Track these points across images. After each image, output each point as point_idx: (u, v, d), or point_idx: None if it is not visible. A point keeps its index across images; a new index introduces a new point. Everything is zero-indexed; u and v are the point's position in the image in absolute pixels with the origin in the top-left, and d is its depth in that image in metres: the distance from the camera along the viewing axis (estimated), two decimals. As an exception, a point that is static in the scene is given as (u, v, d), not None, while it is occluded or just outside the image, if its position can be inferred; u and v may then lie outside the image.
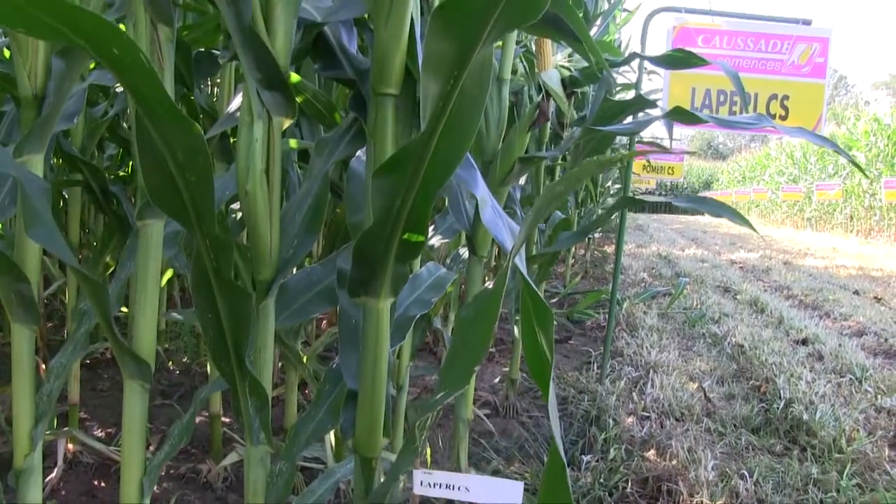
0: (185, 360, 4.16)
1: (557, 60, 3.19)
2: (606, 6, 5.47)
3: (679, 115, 2.23)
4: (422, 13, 1.35)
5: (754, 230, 2.23)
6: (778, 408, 3.50)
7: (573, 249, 8.86)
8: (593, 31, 4.80)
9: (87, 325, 1.48)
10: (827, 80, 3.65)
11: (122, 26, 1.13)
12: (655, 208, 39.22)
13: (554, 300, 6.44)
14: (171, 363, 4.08)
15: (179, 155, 0.94)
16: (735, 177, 35.86)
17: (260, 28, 1.13)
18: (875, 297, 7.53)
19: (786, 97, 3.61)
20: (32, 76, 1.31)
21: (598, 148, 3.14)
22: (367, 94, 1.21)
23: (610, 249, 10.42)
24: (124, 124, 2.93)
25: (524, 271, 0.94)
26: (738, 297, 7.15)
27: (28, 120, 1.31)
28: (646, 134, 6.41)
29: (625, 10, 6.26)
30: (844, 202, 20.22)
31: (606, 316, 5.46)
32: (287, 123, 1.20)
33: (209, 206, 0.99)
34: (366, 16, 1.40)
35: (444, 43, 0.86)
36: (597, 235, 8.75)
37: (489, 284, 1.13)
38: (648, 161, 9.20)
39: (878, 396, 3.79)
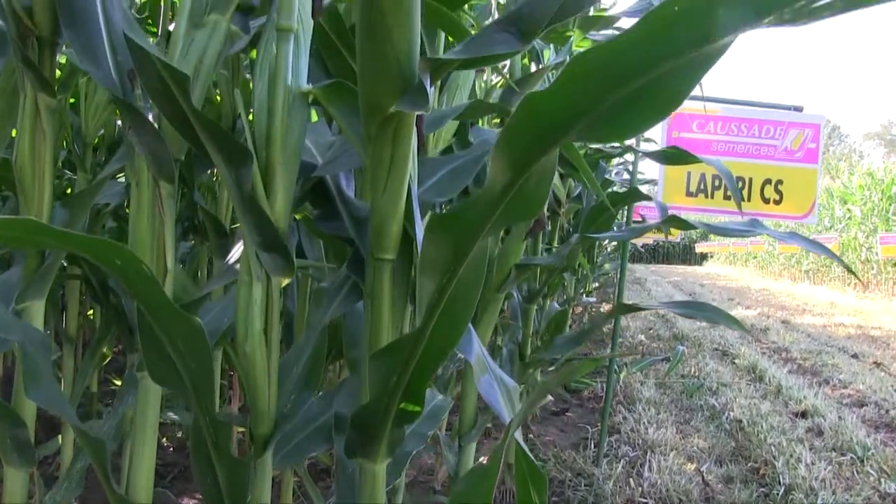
0: (179, 434, 4.14)
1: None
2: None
3: (674, 223, 2.26)
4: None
5: (748, 332, 2.24)
6: (778, 494, 3.47)
7: (570, 304, 8.84)
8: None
9: (82, 462, 1.48)
10: (819, 166, 3.70)
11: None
12: (654, 257, 39.29)
13: (551, 368, 6.41)
14: (164, 439, 4.05)
15: (179, 343, 0.96)
16: (731, 218, 35.93)
17: (259, 194, 1.15)
18: (875, 363, 7.52)
19: (779, 182, 3.65)
20: (36, 224, 1.33)
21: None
22: (365, 255, 1.23)
23: (607, 307, 10.42)
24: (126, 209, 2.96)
25: (524, 447, 0.96)
26: (736, 361, 7.14)
27: (31, 270, 1.33)
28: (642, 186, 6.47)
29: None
30: (841, 255, 20.27)
31: (603, 384, 5.46)
32: (286, 282, 1.22)
33: (209, 387, 1.00)
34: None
35: (440, 247, 0.88)
36: (592, 300, 8.74)
37: (483, 460, 1.14)
38: (643, 219, 9.25)
39: (881, 480, 3.76)
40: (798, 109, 3.79)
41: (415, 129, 1.14)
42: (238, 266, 1.26)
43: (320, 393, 1.48)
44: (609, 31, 2.53)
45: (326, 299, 1.33)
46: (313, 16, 1.29)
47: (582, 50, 0.65)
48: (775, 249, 25.66)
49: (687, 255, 39.07)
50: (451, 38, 1.86)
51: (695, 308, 2.30)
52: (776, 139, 3.68)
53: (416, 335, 0.95)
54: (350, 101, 1.17)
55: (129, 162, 1.29)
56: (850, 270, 2.29)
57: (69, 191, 3.40)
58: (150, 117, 1.28)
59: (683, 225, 2.27)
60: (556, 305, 3.66)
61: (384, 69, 1.02)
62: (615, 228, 5.40)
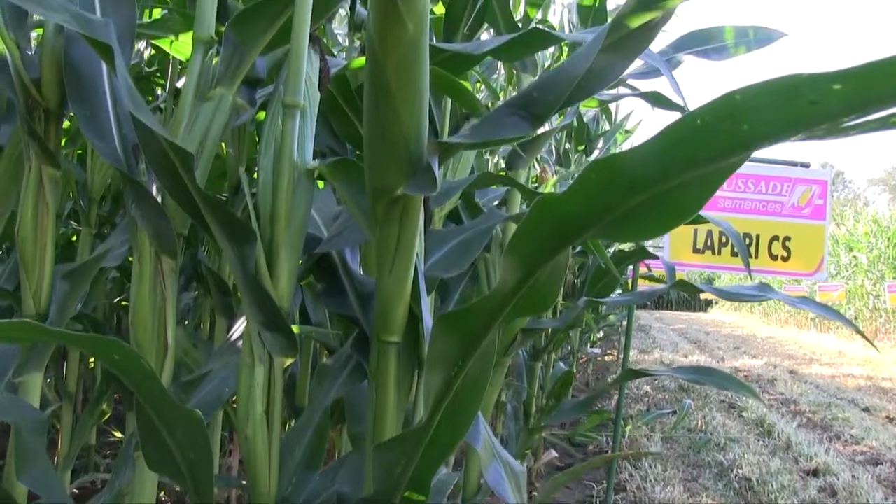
0: (177, 488, 4.07)
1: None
2: (607, 126, 5.58)
3: (683, 287, 2.23)
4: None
5: (760, 400, 2.20)
6: (789, 560, 3.39)
7: (575, 356, 8.79)
8: (595, 154, 4.88)
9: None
10: (828, 222, 3.68)
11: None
12: (658, 303, 39.17)
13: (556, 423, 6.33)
14: (162, 493, 3.98)
15: (179, 434, 0.93)
16: (738, 274, 35.93)
17: (263, 273, 1.13)
18: (887, 417, 7.41)
19: (787, 239, 3.62)
20: (37, 298, 1.32)
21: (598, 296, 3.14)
22: (370, 335, 1.20)
23: (612, 356, 10.34)
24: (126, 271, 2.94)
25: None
26: (743, 414, 7.05)
27: (29, 343, 1.30)
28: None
29: (626, 130, 6.37)
30: (848, 303, 20.16)
31: (609, 438, 5.38)
32: (289, 362, 1.19)
33: (208, 478, 0.97)
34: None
35: (448, 342, 0.85)
36: (597, 351, 8.67)
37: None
38: (649, 268, 9.21)
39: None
40: (805, 165, 3.79)
41: (422, 206, 1.13)
42: (240, 343, 1.23)
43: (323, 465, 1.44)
44: (614, 91, 2.53)
45: (330, 378, 1.30)
46: (320, 88, 1.28)
47: (599, 157, 0.63)
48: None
49: (691, 301, 38.93)
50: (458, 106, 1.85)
51: (704, 374, 2.26)
52: (783, 195, 3.66)
53: (422, 428, 0.92)
54: (356, 179, 1.15)
55: (131, 235, 1.27)
56: (862, 335, 2.26)
57: (74, 238, 3.40)
58: (153, 189, 1.27)
59: (691, 289, 2.24)
60: (562, 365, 3.62)
61: (391, 150, 1.01)
62: (620, 290, 5.38)
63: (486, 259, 1.97)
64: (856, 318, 19.82)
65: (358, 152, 1.87)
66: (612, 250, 3.72)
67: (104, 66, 1.31)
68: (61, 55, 1.29)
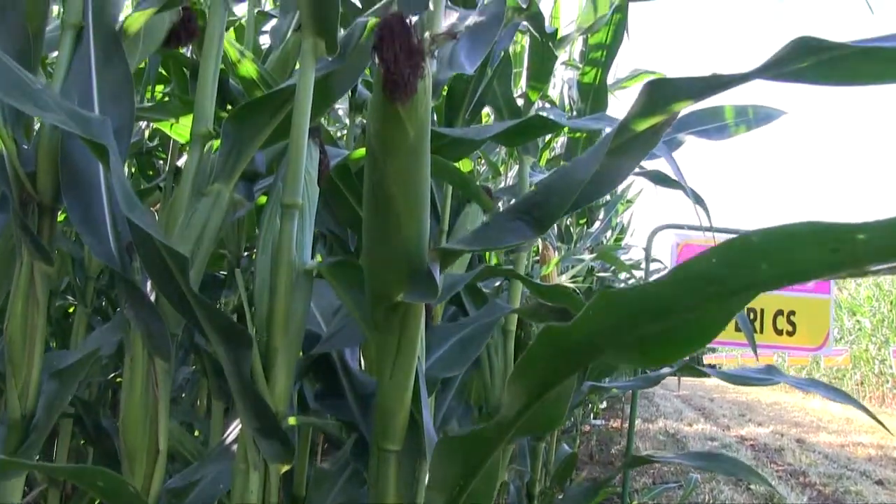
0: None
1: (562, 281, 3.18)
2: (608, 196, 5.59)
3: (688, 371, 2.18)
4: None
5: (771, 486, 2.13)
6: None
7: (578, 428, 8.67)
8: (596, 225, 4.87)
9: None
10: (832, 296, 3.64)
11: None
12: (661, 367, 38.83)
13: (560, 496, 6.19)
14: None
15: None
16: (742, 349, 35.67)
17: (259, 379, 1.09)
18: (899, 492, 7.25)
19: (792, 313, 3.58)
20: (23, 398, 1.27)
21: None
22: (369, 440, 1.16)
23: (616, 424, 10.19)
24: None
25: None
26: (751, 487, 6.89)
27: (13, 444, 1.25)
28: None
29: (626, 200, 6.38)
30: (853, 368, 19.97)
31: (616, 514, 5.23)
32: (285, 468, 1.14)
33: None
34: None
35: (451, 465, 0.81)
36: (600, 422, 8.55)
37: None
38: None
39: None
40: (808, 240, 3.77)
41: (423, 309, 1.09)
42: (234, 448, 1.19)
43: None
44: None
45: (328, 482, 1.25)
46: (319, 181, 1.26)
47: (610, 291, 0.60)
48: (785, 361, 25.35)
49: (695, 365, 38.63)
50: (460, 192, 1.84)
51: (712, 461, 2.20)
52: (787, 269, 3.64)
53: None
54: (356, 280, 1.12)
55: (123, 334, 1.24)
56: (877, 420, 2.20)
57: (71, 310, 3.35)
58: (147, 287, 1.24)
59: (697, 373, 2.19)
60: (566, 448, 3.54)
61: (391, 256, 0.98)
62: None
63: (488, 344, 1.93)
64: (862, 384, 19.60)
65: (357, 236, 1.85)
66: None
67: (101, 160, 1.29)
68: (58, 148, 1.27)
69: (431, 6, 1.16)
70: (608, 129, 1.27)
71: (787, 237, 0.50)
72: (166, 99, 2.77)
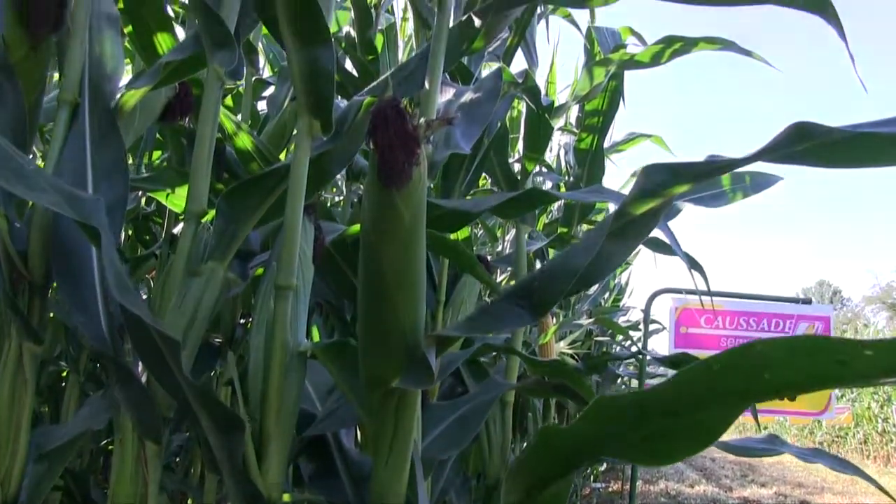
0: None
1: (560, 348, 3.14)
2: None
3: (691, 442, 2.14)
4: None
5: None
6: None
7: (578, 492, 8.53)
8: (594, 287, 4.85)
9: None
10: (834, 360, 3.62)
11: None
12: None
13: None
14: None
15: None
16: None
17: (251, 465, 1.06)
18: (907, 556, 7.08)
19: (794, 377, 3.55)
20: (7, 482, 1.24)
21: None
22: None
23: (616, 487, 10.01)
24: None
25: None
26: (756, 552, 6.75)
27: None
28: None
29: (625, 262, 6.36)
30: (856, 426, 19.75)
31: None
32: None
33: None
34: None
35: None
36: (600, 485, 8.41)
37: None
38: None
39: None
40: (806, 302, 3.75)
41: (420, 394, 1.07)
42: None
43: None
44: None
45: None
46: (315, 259, 1.25)
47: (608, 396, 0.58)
48: (787, 420, 25.07)
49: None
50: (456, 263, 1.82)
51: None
52: (786, 332, 3.61)
53: None
54: (351, 362, 1.10)
55: (113, 415, 1.21)
56: (882, 490, 2.15)
57: (64, 374, 3.30)
58: (138, 368, 1.22)
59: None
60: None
61: (387, 342, 0.96)
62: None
63: (487, 419, 1.90)
64: (865, 443, 19.35)
65: (353, 306, 1.83)
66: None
67: (94, 237, 1.27)
68: (50, 226, 1.26)
69: (427, 85, 1.16)
70: (610, 207, 1.26)
71: (793, 348, 0.48)
72: (164, 164, 2.78)
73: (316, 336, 2.14)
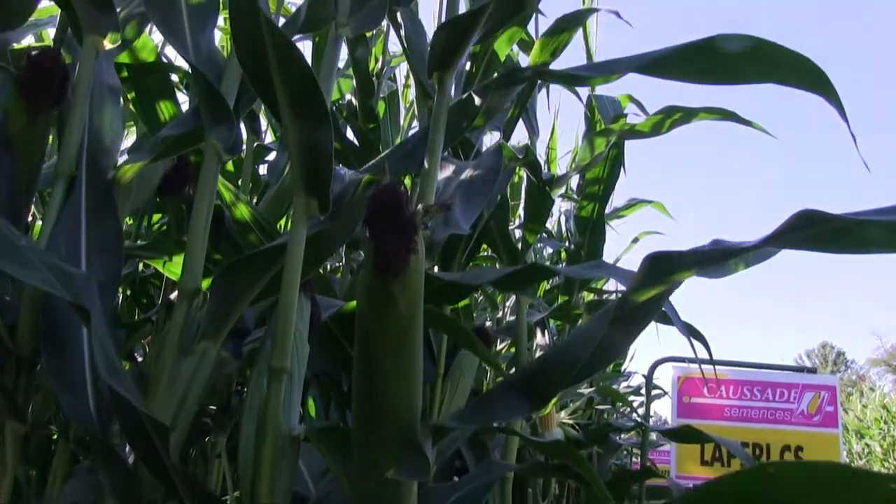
0: None
1: (560, 418, 3.09)
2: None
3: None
4: None
5: None
6: None
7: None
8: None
9: None
10: (840, 430, 3.55)
11: None
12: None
13: None
14: None
15: None
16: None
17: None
18: None
19: (800, 448, 3.48)
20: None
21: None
22: None
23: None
24: None
25: None
26: None
27: None
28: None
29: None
30: (861, 492, 19.36)
31: None
32: None
33: None
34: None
35: None
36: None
37: None
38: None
39: None
40: (811, 371, 3.71)
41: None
42: None
43: None
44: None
45: None
46: (310, 337, 1.22)
47: None
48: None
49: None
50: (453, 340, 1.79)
51: None
52: (791, 402, 3.56)
53: None
54: (346, 448, 1.06)
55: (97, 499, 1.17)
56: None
57: (54, 437, 3.22)
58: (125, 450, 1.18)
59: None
60: None
61: (382, 431, 0.93)
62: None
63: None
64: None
65: (349, 377, 1.79)
66: (619, 468, 3.56)
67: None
68: (41, 299, 1.24)
69: (427, 164, 1.15)
70: (616, 293, 1.24)
71: (808, 477, 0.45)
72: (164, 228, 2.77)
73: (312, 409, 2.10)
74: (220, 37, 2.79)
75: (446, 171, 1.32)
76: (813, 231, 0.87)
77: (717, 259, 0.88)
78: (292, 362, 1.10)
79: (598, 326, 0.88)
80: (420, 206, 0.81)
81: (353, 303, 1.42)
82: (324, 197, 1.05)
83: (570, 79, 1.36)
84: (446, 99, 1.15)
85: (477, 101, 1.23)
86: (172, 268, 1.90)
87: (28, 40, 2.31)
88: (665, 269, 0.87)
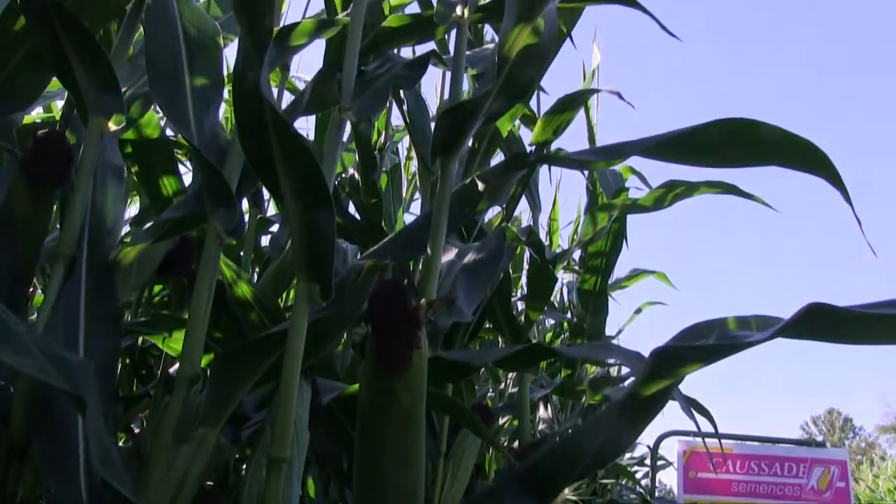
0: None
1: (565, 495, 3.04)
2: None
3: None
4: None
5: None
6: None
7: None
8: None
9: None
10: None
11: None
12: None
13: None
14: None
15: None
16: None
17: None
18: None
19: (810, 525, 3.41)
20: None
21: None
22: None
23: None
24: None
25: None
26: None
27: None
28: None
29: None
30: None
31: None
32: None
33: None
34: None
35: None
36: None
37: None
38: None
39: None
40: (820, 445, 3.65)
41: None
42: None
43: None
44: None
45: None
46: (311, 424, 1.20)
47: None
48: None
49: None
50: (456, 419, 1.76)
51: None
52: (800, 478, 3.49)
53: None
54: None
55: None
56: None
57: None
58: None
59: None
60: None
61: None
62: None
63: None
64: None
65: (350, 457, 1.76)
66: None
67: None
68: (36, 384, 1.21)
69: (430, 250, 1.14)
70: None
71: None
72: (165, 299, 2.75)
73: (311, 488, 2.05)
74: (223, 108, 2.82)
75: (449, 255, 1.31)
76: (820, 323, 0.88)
77: (725, 352, 0.87)
78: (292, 450, 1.08)
79: (605, 421, 0.87)
80: (423, 301, 0.80)
81: (356, 386, 1.40)
82: (326, 283, 1.04)
83: (574, 163, 1.37)
84: (449, 184, 1.15)
85: (480, 186, 1.23)
86: (172, 343, 1.89)
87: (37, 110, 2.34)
88: (672, 363, 0.86)
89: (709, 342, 0.87)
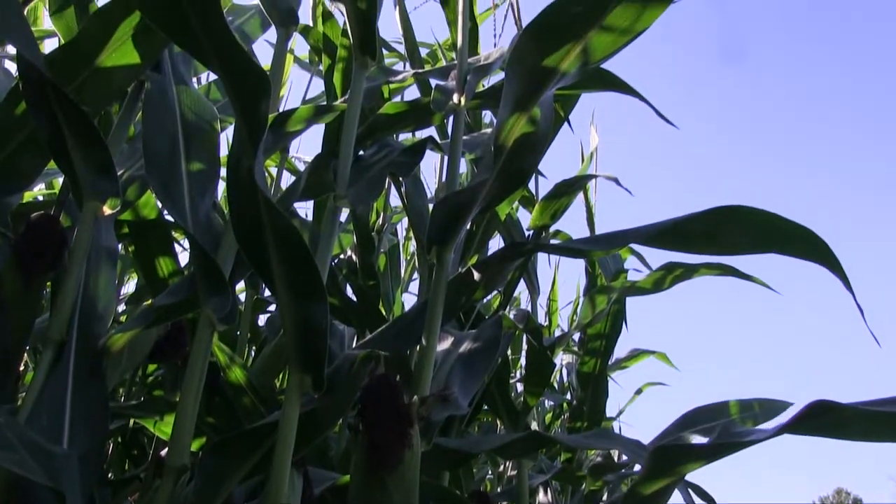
0: None
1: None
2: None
3: None
4: None
5: None
6: None
7: None
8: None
9: None
10: None
11: None
12: None
13: None
14: None
15: None
16: None
17: None
18: None
19: None
20: None
21: None
22: None
23: None
24: None
25: None
26: None
27: None
28: None
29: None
30: None
31: None
32: None
33: None
34: None
35: None
36: None
37: None
38: None
39: None
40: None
41: None
42: None
43: None
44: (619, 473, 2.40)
45: None
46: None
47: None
48: None
49: None
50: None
51: None
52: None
53: None
54: None
55: None
56: None
57: None
58: None
59: None
60: None
61: None
62: None
63: None
64: None
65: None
66: None
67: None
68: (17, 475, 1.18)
69: (425, 341, 1.12)
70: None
71: None
72: (158, 378, 2.71)
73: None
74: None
75: (445, 343, 1.29)
76: (825, 420, 0.87)
77: (727, 450, 0.85)
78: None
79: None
80: (416, 398, 0.78)
81: (347, 478, 1.36)
82: (318, 375, 1.02)
83: (573, 252, 1.36)
84: (445, 273, 1.14)
85: (476, 275, 1.22)
86: (163, 427, 1.85)
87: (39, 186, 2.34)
88: (672, 462, 0.83)
89: (710, 441, 0.84)
